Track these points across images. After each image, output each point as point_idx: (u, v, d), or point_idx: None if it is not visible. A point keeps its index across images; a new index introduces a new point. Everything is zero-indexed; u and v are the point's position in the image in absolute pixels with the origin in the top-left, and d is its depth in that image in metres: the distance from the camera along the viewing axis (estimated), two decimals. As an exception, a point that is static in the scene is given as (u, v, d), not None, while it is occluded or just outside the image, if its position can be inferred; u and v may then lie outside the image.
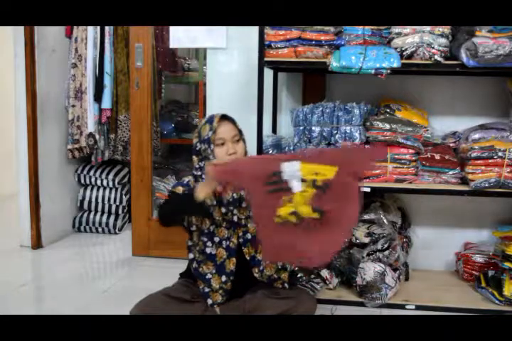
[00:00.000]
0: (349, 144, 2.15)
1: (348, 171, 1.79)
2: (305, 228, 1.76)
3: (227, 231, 1.97)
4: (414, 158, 2.40)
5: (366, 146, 1.97)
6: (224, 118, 1.94)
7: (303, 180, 1.77)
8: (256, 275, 1.99)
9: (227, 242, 1.97)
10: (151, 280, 2.55)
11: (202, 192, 1.78)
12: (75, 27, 3.44)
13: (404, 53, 2.23)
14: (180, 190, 1.96)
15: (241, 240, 1.98)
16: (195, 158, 1.97)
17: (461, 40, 2.23)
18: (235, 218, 1.97)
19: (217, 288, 1.96)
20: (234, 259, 1.96)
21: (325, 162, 1.79)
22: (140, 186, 3.20)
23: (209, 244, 1.96)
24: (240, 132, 1.97)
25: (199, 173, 1.96)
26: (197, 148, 1.96)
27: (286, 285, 2.01)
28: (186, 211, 1.90)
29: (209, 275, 1.96)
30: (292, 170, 1.78)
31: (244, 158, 1.94)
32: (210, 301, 1.96)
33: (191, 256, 2.01)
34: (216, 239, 1.96)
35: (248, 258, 1.98)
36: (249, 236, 1.98)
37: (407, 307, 2.41)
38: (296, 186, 1.77)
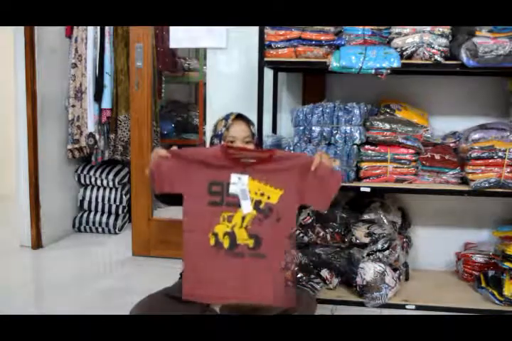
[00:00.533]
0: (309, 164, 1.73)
1: (293, 198, 1.68)
2: (238, 260, 1.66)
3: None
4: (414, 158, 2.40)
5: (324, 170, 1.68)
6: (239, 117, 1.98)
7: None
8: None
9: None
10: (151, 280, 2.55)
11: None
12: (75, 27, 3.44)
13: (404, 53, 2.23)
14: None
15: None
16: None
17: (461, 40, 2.23)
18: None
19: None
20: None
21: (273, 182, 1.67)
22: (140, 186, 3.20)
23: None
24: (253, 135, 1.99)
25: None
26: (211, 142, 2.01)
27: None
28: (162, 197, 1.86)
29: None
30: (240, 185, 1.67)
31: (191, 153, 1.74)
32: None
33: None
34: None
35: None
36: None
37: (407, 307, 2.40)
38: (246, 206, 1.66)
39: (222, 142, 1.92)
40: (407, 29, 2.24)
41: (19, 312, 2.29)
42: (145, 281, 2.73)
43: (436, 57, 2.21)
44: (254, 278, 1.67)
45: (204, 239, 1.68)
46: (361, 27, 2.33)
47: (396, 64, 2.20)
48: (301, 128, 2.40)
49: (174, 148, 1.76)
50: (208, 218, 1.68)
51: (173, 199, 1.83)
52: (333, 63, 2.23)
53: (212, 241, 1.68)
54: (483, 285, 2.47)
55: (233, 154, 1.71)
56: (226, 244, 1.67)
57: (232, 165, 1.70)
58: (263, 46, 2.32)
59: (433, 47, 2.20)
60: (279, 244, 1.67)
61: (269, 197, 1.67)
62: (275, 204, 1.67)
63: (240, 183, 1.67)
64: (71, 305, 2.45)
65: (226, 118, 1.99)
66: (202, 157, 1.71)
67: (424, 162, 2.40)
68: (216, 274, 1.68)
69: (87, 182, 3.74)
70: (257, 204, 1.68)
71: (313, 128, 2.37)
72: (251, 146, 1.97)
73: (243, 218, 1.67)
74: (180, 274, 2.13)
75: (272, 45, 2.32)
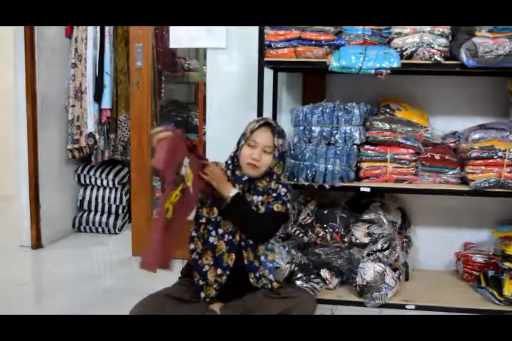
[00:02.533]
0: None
1: (197, 180, 1.88)
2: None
3: (232, 225, 1.97)
4: (414, 158, 2.40)
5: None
6: (267, 124, 1.99)
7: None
8: (251, 280, 1.99)
9: (230, 236, 1.97)
10: (151, 280, 2.54)
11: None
12: (75, 27, 3.44)
13: (404, 53, 2.23)
14: None
15: (243, 243, 1.98)
16: (235, 146, 2.05)
17: (461, 40, 2.23)
18: None
19: (212, 282, 1.96)
20: (233, 255, 1.97)
21: (193, 167, 1.86)
22: (140, 186, 3.20)
23: (213, 233, 1.98)
24: (276, 148, 1.98)
25: (229, 162, 2.04)
26: (239, 140, 2.03)
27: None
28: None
29: (206, 268, 1.96)
30: (186, 167, 1.84)
31: (174, 139, 1.85)
32: (202, 294, 1.96)
33: (192, 246, 2.02)
34: (220, 231, 1.98)
35: (246, 262, 1.98)
36: (251, 241, 1.99)
37: (407, 307, 2.40)
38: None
39: (242, 141, 1.98)
40: (407, 29, 2.24)
41: (19, 312, 2.29)
42: (145, 281, 2.73)
43: (436, 57, 2.21)
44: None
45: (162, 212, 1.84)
46: (361, 27, 2.33)
47: (396, 64, 2.20)
48: (301, 128, 2.40)
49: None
50: (166, 194, 1.84)
51: None
52: (333, 63, 2.23)
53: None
54: (483, 285, 2.47)
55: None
56: (167, 215, 1.82)
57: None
58: (263, 46, 2.32)
59: (433, 47, 2.20)
60: (178, 219, 1.84)
61: (188, 180, 1.85)
62: (189, 185, 1.85)
63: (187, 164, 1.85)
64: (71, 305, 2.45)
65: (257, 120, 2.01)
66: (181, 142, 1.88)
67: (424, 162, 2.40)
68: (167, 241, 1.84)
69: (87, 182, 3.74)
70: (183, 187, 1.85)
71: (313, 128, 2.37)
72: (269, 158, 1.97)
73: (176, 196, 1.83)
74: (180, 273, 2.14)
75: (272, 45, 2.32)
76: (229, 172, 2.02)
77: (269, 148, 1.96)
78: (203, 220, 2.00)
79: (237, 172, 2.01)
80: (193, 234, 2.02)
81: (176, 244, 1.86)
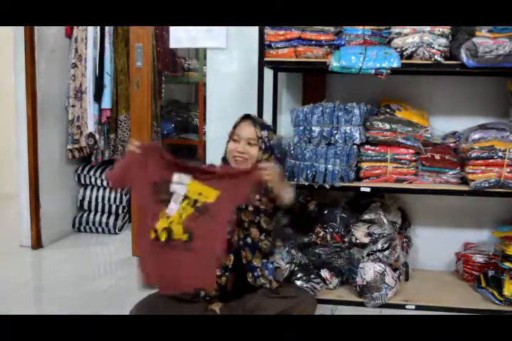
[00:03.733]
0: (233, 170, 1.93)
1: (228, 198, 1.78)
2: (174, 252, 1.77)
3: (230, 226, 1.97)
4: (414, 158, 2.40)
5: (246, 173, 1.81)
6: (246, 117, 2.02)
7: (186, 197, 1.78)
8: (249, 280, 1.99)
9: (228, 236, 1.97)
10: (151, 280, 2.55)
11: None
12: (75, 27, 3.44)
13: (404, 53, 2.23)
14: None
15: (241, 243, 1.98)
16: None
17: (461, 40, 2.23)
18: (240, 218, 1.98)
19: None
20: (232, 256, 1.97)
21: (211, 183, 1.78)
22: (140, 186, 3.20)
23: None
24: (260, 139, 1.97)
25: (221, 162, 2.05)
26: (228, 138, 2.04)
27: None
28: None
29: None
30: (180, 184, 1.78)
31: (146, 150, 1.81)
32: (202, 293, 1.96)
33: None
34: None
35: (245, 262, 1.98)
36: (249, 240, 1.99)
37: (407, 307, 2.41)
38: (171, 208, 1.78)
39: (228, 137, 2.00)
40: (407, 29, 2.24)
41: (19, 313, 2.29)
42: (145, 281, 2.73)
43: (436, 57, 2.21)
44: (185, 269, 1.79)
45: (147, 234, 1.79)
46: (361, 27, 2.33)
47: (396, 64, 2.20)
48: (301, 128, 2.40)
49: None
50: (152, 214, 1.79)
51: None
52: (333, 63, 2.23)
53: (152, 236, 1.78)
54: (483, 285, 2.47)
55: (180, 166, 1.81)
56: (163, 237, 1.78)
57: (179, 168, 1.80)
58: (263, 46, 2.32)
59: (433, 47, 2.20)
60: (211, 239, 1.77)
61: (206, 197, 1.78)
62: (211, 203, 1.78)
63: (180, 182, 1.78)
64: (71, 305, 2.45)
65: (241, 117, 2.04)
66: (159, 157, 1.80)
67: (424, 162, 2.40)
68: (155, 265, 1.79)
69: (87, 182, 3.73)
70: (194, 203, 1.78)
71: (313, 128, 2.36)
72: (254, 150, 1.96)
73: (181, 215, 1.78)
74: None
75: (272, 45, 2.32)
76: None
77: (253, 140, 1.96)
78: None
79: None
80: None
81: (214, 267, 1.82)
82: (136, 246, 1.79)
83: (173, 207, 1.78)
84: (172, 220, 1.77)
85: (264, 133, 1.99)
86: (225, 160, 2.03)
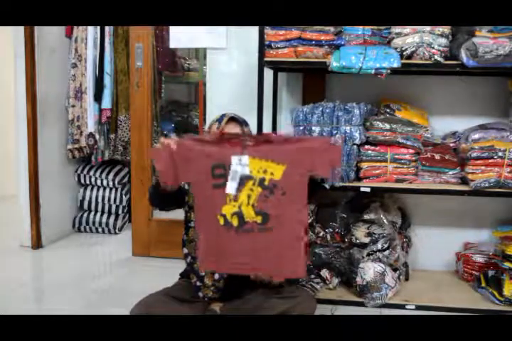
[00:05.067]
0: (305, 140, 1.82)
1: (297, 170, 1.65)
2: (248, 235, 1.69)
3: None
4: (414, 158, 2.40)
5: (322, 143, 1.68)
6: (232, 120, 1.96)
7: (250, 177, 1.68)
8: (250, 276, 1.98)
9: None
10: (151, 280, 2.55)
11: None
12: (75, 27, 3.44)
13: (404, 53, 2.23)
14: None
15: None
16: None
17: (461, 40, 2.23)
18: None
19: (209, 285, 1.96)
20: None
21: (274, 157, 1.66)
22: (140, 186, 3.20)
23: None
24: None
25: None
26: None
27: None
28: (158, 195, 1.89)
29: (202, 273, 1.96)
30: (241, 165, 1.68)
31: (190, 142, 1.75)
32: (200, 294, 1.96)
33: (186, 251, 2.01)
34: None
35: None
36: None
37: (407, 307, 2.41)
38: (230, 187, 1.69)
39: None
40: (407, 29, 2.24)
41: (19, 312, 2.29)
42: (145, 281, 2.73)
43: (436, 57, 2.21)
44: (264, 251, 1.69)
45: (214, 220, 1.71)
46: (361, 27, 2.33)
47: (396, 64, 2.20)
48: (301, 128, 2.40)
49: (173, 136, 1.77)
50: (215, 200, 1.70)
51: (165, 202, 1.93)
52: (333, 63, 2.23)
53: (221, 222, 1.70)
54: (483, 285, 2.47)
55: (230, 138, 1.73)
56: (235, 223, 1.69)
57: (231, 148, 1.70)
58: (263, 46, 2.32)
59: (433, 47, 2.20)
60: (288, 217, 1.67)
61: (272, 174, 1.66)
62: (279, 179, 1.66)
63: (241, 163, 1.68)
64: (71, 305, 2.45)
65: (219, 120, 1.96)
66: (202, 143, 1.73)
67: (424, 162, 2.40)
68: (228, 250, 1.71)
69: (87, 182, 3.74)
70: (261, 182, 1.67)
71: (313, 128, 2.37)
72: None
73: (249, 196, 1.68)
74: (180, 274, 2.14)
75: (272, 45, 2.32)
76: None
77: None
78: (192, 224, 1.98)
79: None
80: (184, 237, 2.01)
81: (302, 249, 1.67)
82: (200, 233, 1.74)
83: (233, 186, 1.68)
84: (241, 203, 1.68)
85: (248, 128, 1.99)
86: None
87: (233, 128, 1.95)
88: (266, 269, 1.72)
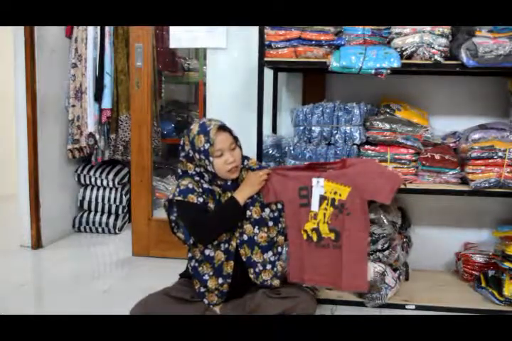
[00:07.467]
0: (372, 166, 2.12)
1: (359, 194, 1.97)
2: (325, 250, 2.00)
3: (226, 234, 1.97)
4: (414, 158, 2.40)
5: (386, 171, 2.09)
6: (220, 129, 1.94)
7: (324, 198, 1.99)
8: (251, 276, 1.98)
9: (226, 245, 1.97)
10: (151, 280, 2.55)
11: (245, 197, 1.97)
12: (75, 27, 3.44)
13: (404, 53, 2.23)
14: (193, 198, 1.92)
15: (238, 241, 1.98)
16: (189, 165, 1.99)
17: (461, 40, 2.23)
18: None
19: (213, 289, 1.96)
20: (232, 262, 1.97)
21: (342, 180, 1.98)
22: (140, 186, 3.20)
23: (209, 246, 1.96)
24: (236, 139, 1.99)
25: (197, 179, 1.97)
26: (190, 155, 1.96)
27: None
28: (236, 220, 1.99)
29: (206, 277, 1.96)
30: (318, 187, 2.00)
31: (285, 168, 2.13)
32: (206, 301, 1.96)
33: (190, 254, 2.02)
34: (215, 242, 1.96)
35: (244, 259, 1.98)
36: (245, 237, 1.99)
37: (407, 307, 2.40)
38: (314, 205, 2.00)
39: (210, 158, 1.90)
40: (407, 29, 2.23)
41: (19, 313, 2.29)
42: (145, 281, 2.73)
43: (436, 57, 2.21)
44: (337, 266, 2.00)
45: (299, 235, 2.04)
46: (361, 27, 2.33)
47: (396, 64, 2.20)
48: (301, 128, 2.40)
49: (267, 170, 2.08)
50: (299, 217, 2.04)
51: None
52: (333, 63, 2.23)
53: (304, 236, 2.04)
54: (483, 285, 2.47)
55: (316, 168, 2.11)
56: (315, 237, 2.03)
57: (312, 172, 2.06)
58: (263, 46, 2.32)
59: (433, 47, 2.20)
60: (353, 236, 1.98)
61: (340, 195, 1.99)
62: (345, 200, 1.99)
63: (318, 185, 2.01)
64: (71, 305, 2.45)
65: (204, 132, 1.91)
66: (292, 170, 2.10)
67: (424, 162, 2.40)
68: (311, 262, 2.03)
69: (87, 182, 3.73)
70: (333, 202, 2.00)
71: (313, 128, 2.37)
72: (238, 151, 1.98)
73: (325, 214, 2.01)
74: (180, 274, 2.14)
75: (272, 45, 2.32)
76: (206, 186, 1.98)
77: (232, 144, 1.96)
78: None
79: (219, 182, 1.99)
80: (191, 241, 2.02)
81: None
82: (289, 247, 2.08)
83: (315, 204, 2.01)
84: (319, 220, 2.00)
85: (233, 132, 2.00)
86: (209, 176, 1.98)
87: (226, 140, 1.94)
88: (339, 283, 2.00)
